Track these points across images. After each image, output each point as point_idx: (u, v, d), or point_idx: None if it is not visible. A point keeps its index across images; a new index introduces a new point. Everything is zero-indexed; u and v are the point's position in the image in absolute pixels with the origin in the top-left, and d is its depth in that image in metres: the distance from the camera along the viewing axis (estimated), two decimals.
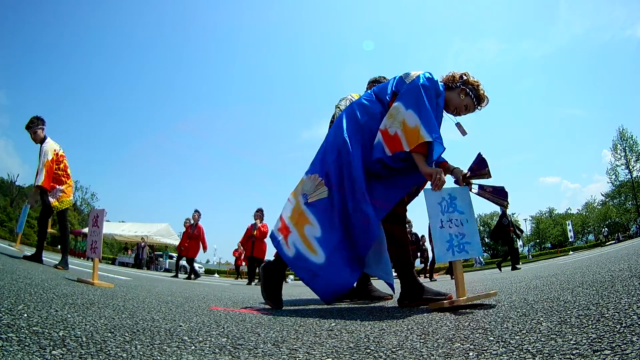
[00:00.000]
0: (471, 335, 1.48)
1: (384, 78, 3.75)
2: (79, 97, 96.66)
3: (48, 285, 3.10)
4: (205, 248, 12.24)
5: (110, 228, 29.82)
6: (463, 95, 2.85)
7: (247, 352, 1.38)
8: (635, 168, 40.76)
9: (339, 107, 3.75)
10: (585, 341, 1.19)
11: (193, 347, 1.42)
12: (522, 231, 12.12)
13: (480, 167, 2.72)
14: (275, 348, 1.44)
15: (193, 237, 12.00)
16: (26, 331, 1.44)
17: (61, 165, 6.00)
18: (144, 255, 25.59)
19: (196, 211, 12.21)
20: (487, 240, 55.33)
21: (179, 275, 13.08)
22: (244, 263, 19.10)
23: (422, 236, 14.46)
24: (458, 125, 2.91)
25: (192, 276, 11.80)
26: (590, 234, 55.21)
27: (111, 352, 1.28)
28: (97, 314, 2.04)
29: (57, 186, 5.90)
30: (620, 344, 1.10)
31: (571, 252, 28.00)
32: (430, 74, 2.72)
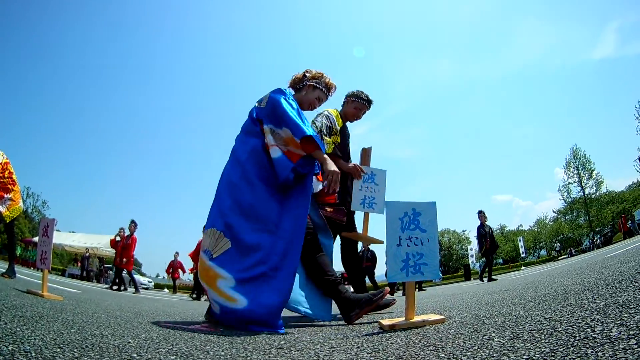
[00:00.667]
0: (422, 353, 1.50)
1: (362, 92, 4.10)
2: (31, 100, 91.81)
3: None
4: (130, 260, 12.32)
5: (60, 238, 28.86)
6: (311, 90, 3.26)
7: None
8: (587, 185, 43.38)
9: (314, 124, 3.77)
10: (538, 355, 1.23)
11: None
12: (496, 245, 12.19)
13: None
14: None
15: (126, 247, 11.88)
16: None
17: (6, 173, 5.94)
18: (88, 266, 25.21)
19: (132, 222, 12.03)
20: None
21: (126, 287, 12.88)
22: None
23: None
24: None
25: (130, 288, 11.62)
26: (542, 249, 58.02)
27: None
28: (46, 327, 2.06)
29: (5, 195, 5.85)
30: (574, 357, 1.15)
31: (523, 267, 29.31)
32: (277, 88, 3.06)
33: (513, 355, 1.29)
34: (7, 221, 5.84)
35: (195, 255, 12.15)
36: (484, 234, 11.54)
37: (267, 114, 2.95)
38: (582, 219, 46.34)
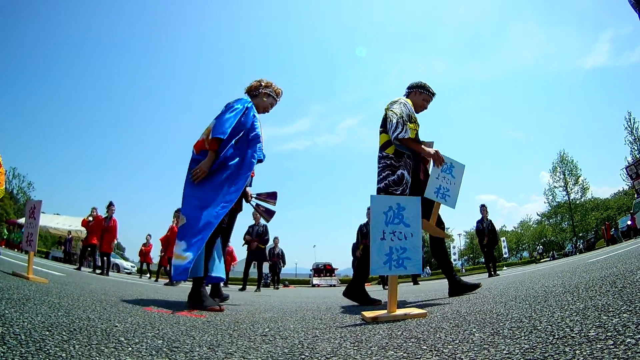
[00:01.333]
0: (404, 344, 1.54)
1: (426, 84, 4.29)
2: (18, 81, 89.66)
3: None
4: (113, 240, 12.16)
5: (45, 220, 28.22)
6: (266, 97, 3.90)
7: (184, 355, 1.42)
8: (572, 190, 43.88)
9: (392, 110, 3.80)
10: (518, 351, 1.27)
11: (130, 349, 1.45)
12: (496, 240, 11.95)
13: (270, 197, 4.23)
14: (211, 352, 1.49)
15: (107, 230, 11.70)
16: None
17: None
18: (71, 249, 24.95)
19: (111, 203, 11.93)
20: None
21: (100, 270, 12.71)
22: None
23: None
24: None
25: (104, 271, 11.45)
26: (525, 250, 58.65)
27: (50, 351, 1.32)
28: (34, 310, 2.08)
29: None
30: (552, 354, 1.19)
31: (505, 268, 29.61)
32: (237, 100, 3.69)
33: (493, 349, 1.33)
34: None
35: (165, 240, 12.00)
36: (482, 229, 11.54)
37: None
38: (566, 223, 46.90)
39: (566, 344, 1.27)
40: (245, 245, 11.18)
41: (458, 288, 3.93)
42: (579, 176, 43.56)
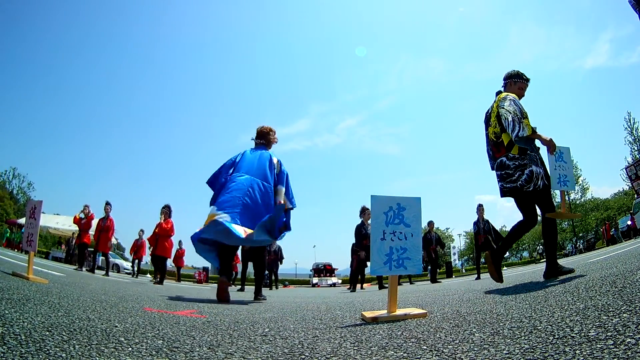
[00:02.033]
0: (404, 344, 1.54)
1: (519, 71, 4.60)
2: (18, 82, 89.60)
3: None
4: (106, 243, 12.17)
5: (44, 220, 28.19)
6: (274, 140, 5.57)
7: (184, 355, 1.42)
8: (572, 190, 43.88)
9: (504, 109, 4.02)
10: (518, 351, 1.27)
11: (130, 349, 1.45)
12: (500, 238, 11.67)
13: None
14: (211, 352, 1.49)
15: (104, 229, 11.65)
16: None
17: None
18: (73, 250, 24.76)
19: (107, 203, 11.88)
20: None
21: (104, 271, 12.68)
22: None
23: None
24: None
25: (85, 267, 11.42)
26: (525, 250, 58.60)
27: (50, 351, 1.32)
28: (34, 310, 2.09)
29: None
30: (552, 354, 1.19)
31: (505, 268, 29.61)
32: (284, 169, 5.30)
33: (493, 349, 1.33)
34: None
35: (153, 239, 11.66)
36: (477, 230, 11.45)
37: (281, 181, 5.17)
38: (565, 223, 46.89)
39: (566, 344, 1.28)
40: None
41: (554, 271, 4.00)
42: (579, 176, 43.57)
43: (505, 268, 28.27)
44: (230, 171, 4.99)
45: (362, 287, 12.78)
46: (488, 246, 11.24)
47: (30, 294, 2.83)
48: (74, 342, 1.47)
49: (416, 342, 1.57)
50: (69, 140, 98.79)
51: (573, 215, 4.53)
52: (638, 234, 23.32)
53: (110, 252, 28.50)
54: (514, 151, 4.03)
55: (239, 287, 10.85)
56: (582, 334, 1.37)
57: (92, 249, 12.56)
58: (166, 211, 11.23)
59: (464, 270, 39.71)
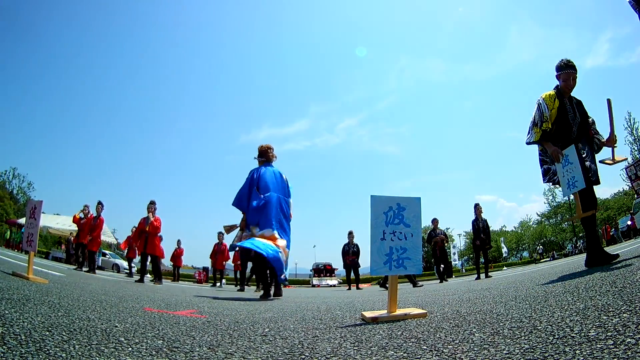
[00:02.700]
0: (404, 344, 1.54)
1: (560, 61, 4.52)
2: (20, 83, 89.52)
3: None
4: (96, 240, 12.06)
5: (45, 220, 28.19)
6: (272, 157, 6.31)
7: (184, 355, 1.42)
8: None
9: (533, 112, 4.44)
10: (518, 351, 1.27)
11: (130, 349, 1.46)
12: (489, 241, 11.70)
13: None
14: (211, 352, 1.49)
15: (94, 228, 11.66)
16: None
17: None
18: (73, 250, 24.80)
19: (99, 203, 11.87)
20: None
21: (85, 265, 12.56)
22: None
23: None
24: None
25: (88, 269, 11.37)
26: (524, 250, 58.67)
27: (50, 351, 1.32)
28: (34, 310, 2.10)
29: None
30: (552, 354, 1.19)
31: (505, 268, 29.65)
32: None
33: (493, 349, 1.33)
34: None
35: (142, 237, 10.71)
36: (477, 228, 11.41)
37: (290, 194, 6.33)
38: (565, 223, 46.97)
39: (566, 344, 1.28)
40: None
41: (597, 259, 4.10)
42: None
43: (505, 268, 28.30)
44: (256, 189, 5.92)
45: (357, 287, 13.03)
46: (484, 244, 11.26)
47: (30, 294, 2.83)
48: (74, 342, 1.47)
49: (416, 342, 1.57)
50: (69, 140, 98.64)
51: (589, 213, 4.59)
52: (638, 233, 23.32)
53: (110, 252, 28.41)
54: (541, 147, 4.56)
55: (239, 287, 10.88)
56: (582, 334, 1.37)
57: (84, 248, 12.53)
58: (153, 207, 10.83)
59: (464, 270, 39.70)
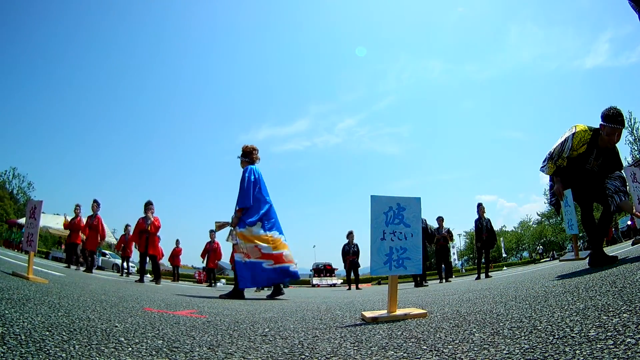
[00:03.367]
0: (404, 344, 1.54)
1: (609, 112, 4.09)
2: (20, 83, 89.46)
3: None
4: (103, 238, 12.19)
5: (45, 220, 28.10)
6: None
7: (184, 355, 1.42)
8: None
9: (556, 142, 4.46)
10: (518, 351, 1.27)
11: (130, 349, 1.46)
12: (494, 240, 11.61)
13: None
14: (211, 352, 1.49)
15: (92, 227, 11.62)
16: None
17: None
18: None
19: (95, 201, 11.85)
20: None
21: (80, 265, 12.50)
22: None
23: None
24: None
25: (82, 268, 11.35)
26: (524, 251, 58.62)
27: (50, 351, 1.32)
28: (34, 310, 2.10)
29: None
30: (552, 354, 1.19)
31: (505, 268, 29.64)
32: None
33: (493, 349, 1.33)
34: None
35: (143, 237, 10.57)
36: (480, 227, 11.35)
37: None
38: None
39: (566, 344, 1.27)
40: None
41: (597, 260, 4.12)
42: None
43: (505, 268, 28.29)
44: (258, 189, 5.93)
45: (357, 287, 13.09)
46: (490, 244, 11.23)
47: (30, 294, 2.83)
48: (74, 342, 1.47)
49: (416, 342, 1.57)
50: (69, 140, 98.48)
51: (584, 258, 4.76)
52: (638, 233, 23.31)
53: (110, 252, 28.38)
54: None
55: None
56: (582, 334, 1.36)
57: (85, 249, 12.51)
58: (152, 207, 10.79)
59: (463, 270, 39.69)
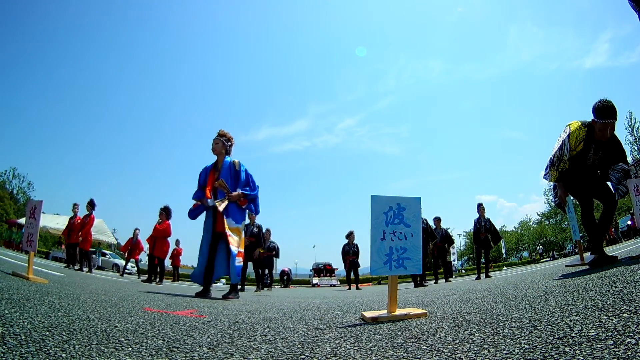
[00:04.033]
0: (404, 344, 1.54)
1: (600, 107, 4.04)
2: (20, 84, 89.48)
3: None
4: (87, 239, 12.07)
5: (45, 220, 28.10)
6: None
7: (184, 355, 1.43)
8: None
9: (554, 148, 4.39)
10: (518, 351, 1.27)
11: (130, 349, 1.46)
12: (499, 238, 11.56)
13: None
14: (211, 352, 1.49)
15: (84, 225, 11.72)
16: None
17: None
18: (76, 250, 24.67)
19: (90, 201, 11.89)
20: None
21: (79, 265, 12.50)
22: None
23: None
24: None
25: (85, 268, 11.38)
26: (524, 250, 58.59)
27: (50, 351, 1.33)
28: (34, 310, 2.10)
29: None
30: (552, 354, 1.19)
31: (505, 268, 29.64)
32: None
33: (493, 349, 1.33)
34: None
35: (151, 239, 11.76)
36: (479, 227, 11.33)
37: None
38: (566, 223, 46.83)
39: (566, 344, 1.27)
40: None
41: (598, 260, 4.14)
42: None
43: (505, 268, 28.28)
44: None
45: (357, 287, 13.11)
46: (488, 244, 11.22)
47: (30, 294, 2.83)
48: (74, 342, 1.47)
49: (416, 342, 1.57)
50: (69, 140, 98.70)
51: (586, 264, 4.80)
52: (638, 233, 23.31)
53: (110, 252, 28.37)
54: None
55: (240, 287, 10.89)
56: (582, 334, 1.36)
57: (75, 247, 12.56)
58: (163, 213, 11.30)
59: (463, 270, 39.67)
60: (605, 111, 3.91)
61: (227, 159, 5.65)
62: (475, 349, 1.37)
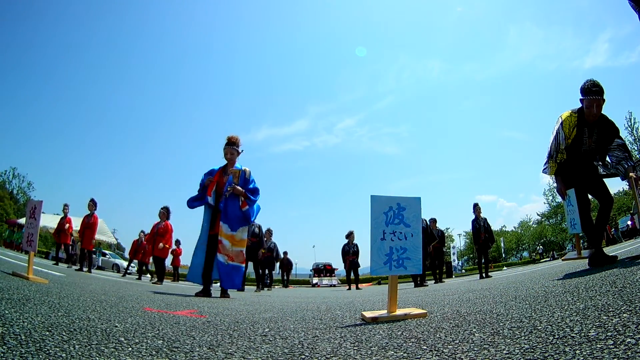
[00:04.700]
0: (404, 344, 1.54)
1: (586, 85, 4.14)
2: (19, 80, 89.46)
3: None
4: (89, 239, 12.10)
5: (45, 220, 28.09)
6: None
7: (184, 355, 1.43)
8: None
9: (550, 141, 4.45)
10: (518, 351, 1.27)
11: (130, 349, 1.46)
12: (493, 240, 11.53)
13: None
14: (211, 352, 1.50)
15: (88, 226, 11.66)
16: None
17: None
18: (77, 250, 24.71)
19: (92, 200, 11.85)
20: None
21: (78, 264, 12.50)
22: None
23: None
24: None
25: (85, 268, 11.37)
26: (524, 250, 58.58)
27: (50, 351, 1.33)
28: (34, 310, 2.10)
29: None
30: (552, 354, 1.19)
31: (505, 268, 29.64)
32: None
33: (493, 349, 1.33)
34: None
35: (150, 240, 11.61)
36: (478, 227, 11.32)
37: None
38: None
39: (566, 344, 1.27)
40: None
41: (598, 260, 4.11)
42: None
43: (505, 268, 28.29)
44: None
45: (357, 287, 13.14)
46: (488, 244, 11.22)
47: (30, 294, 2.84)
48: (74, 342, 1.47)
49: (416, 342, 1.57)
50: (69, 140, 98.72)
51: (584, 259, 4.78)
52: (638, 233, 23.31)
53: (110, 252, 28.38)
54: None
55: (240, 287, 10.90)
56: (582, 334, 1.36)
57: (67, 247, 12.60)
58: (164, 212, 11.30)
59: (463, 271, 39.66)
60: (590, 88, 4.05)
61: (238, 165, 5.79)
62: (475, 349, 1.37)
